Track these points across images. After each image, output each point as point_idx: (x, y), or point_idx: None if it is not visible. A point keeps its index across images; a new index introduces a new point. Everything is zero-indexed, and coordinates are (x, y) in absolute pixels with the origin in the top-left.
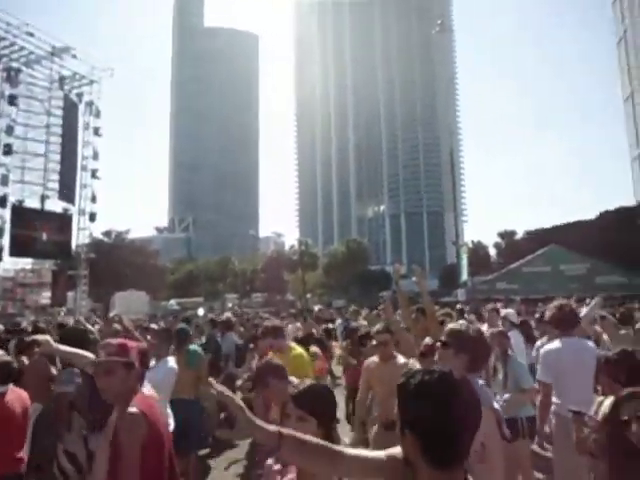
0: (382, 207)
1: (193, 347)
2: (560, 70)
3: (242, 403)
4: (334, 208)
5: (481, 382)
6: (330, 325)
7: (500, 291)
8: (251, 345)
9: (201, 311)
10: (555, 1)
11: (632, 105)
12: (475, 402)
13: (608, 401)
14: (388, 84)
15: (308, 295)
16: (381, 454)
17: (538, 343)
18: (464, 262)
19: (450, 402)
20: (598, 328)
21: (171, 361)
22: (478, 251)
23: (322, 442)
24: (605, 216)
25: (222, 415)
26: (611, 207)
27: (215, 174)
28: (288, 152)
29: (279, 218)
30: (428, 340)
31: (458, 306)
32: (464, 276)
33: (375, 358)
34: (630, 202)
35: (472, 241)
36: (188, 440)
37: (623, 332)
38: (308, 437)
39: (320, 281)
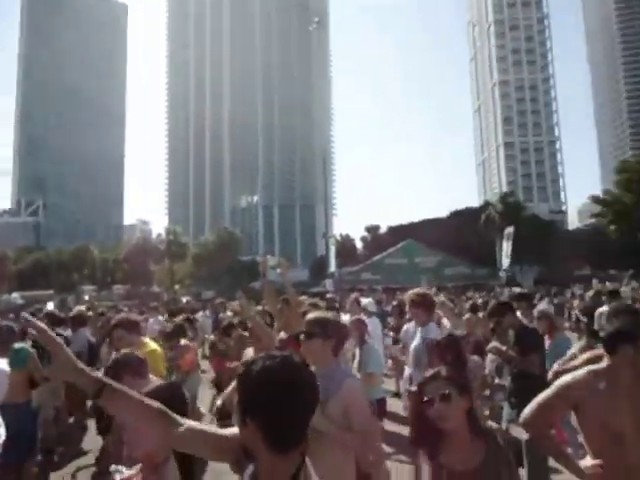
0: (255, 198)
1: (19, 345)
2: (421, 81)
3: (62, 342)
4: (206, 196)
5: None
6: (191, 316)
7: (365, 281)
8: (108, 340)
9: (50, 305)
10: (419, 23)
11: (479, 117)
12: (315, 385)
13: None
14: (266, 71)
15: (176, 286)
16: (226, 432)
17: (405, 328)
18: (332, 254)
19: (295, 386)
20: (440, 312)
21: (1, 363)
22: (346, 244)
23: (158, 405)
24: (455, 215)
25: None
26: (460, 207)
27: (72, 152)
28: (159, 134)
29: (146, 205)
30: (283, 335)
31: (328, 295)
32: (332, 267)
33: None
34: (475, 203)
35: (341, 234)
36: (19, 449)
37: (467, 317)
38: (139, 396)
39: (189, 272)
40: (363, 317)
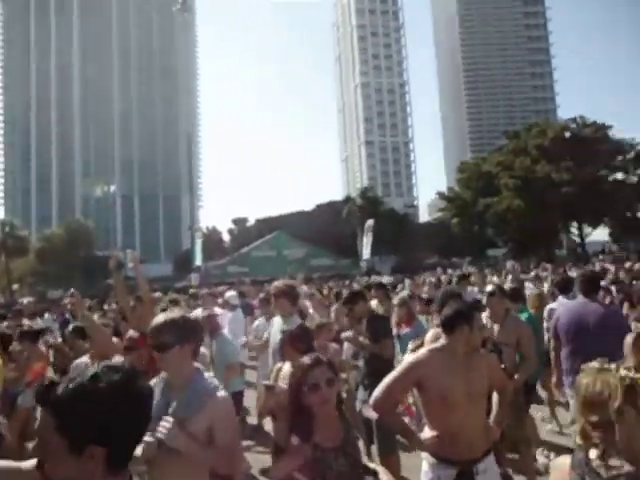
0: (113, 187)
1: None
2: (292, 76)
3: None
4: (53, 184)
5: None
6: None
7: (232, 274)
8: None
9: None
10: (287, 18)
11: (343, 116)
12: (152, 395)
13: (287, 367)
14: (124, 52)
15: (15, 286)
16: (22, 465)
17: (255, 324)
18: (198, 247)
19: (141, 399)
20: (308, 303)
21: None
22: (213, 236)
23: None
24: (320, 208)
25: None
26: (325, 201)
27: None
28: None
29: None
30: (132, 333)
31: (191, 291)
32: (198, 261)
33: None
34: (341, 197)
35: (207, 227)
36: None
37: (335, 307)
38: None
39: (31, 269)
40: (218, 310)
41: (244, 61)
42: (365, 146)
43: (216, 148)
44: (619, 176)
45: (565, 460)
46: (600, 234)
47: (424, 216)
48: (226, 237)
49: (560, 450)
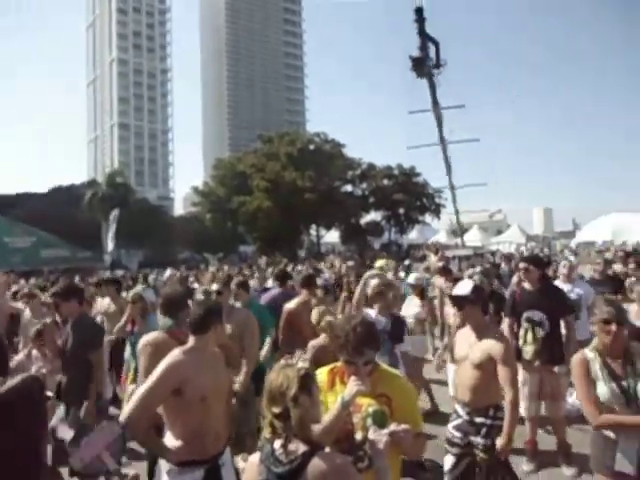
0: None
1: None
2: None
3: None
4: None
5: None
6: None
7: None
8: None
9: None
10: None
11: (94, 90)
12: None
13: None
14: None
15: None
16: None
17: None
18: None
19: None
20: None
21: None
22: None
23: None
24: (56, 191)
25: None
26: (65, 183)
27: None
28: None
29: None
30: None
31: None
32: None
33: None
34: (83, 180)
35: None
36: None
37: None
38: None
39: None
40: None
41: None
42: (118, 128)
43: None
44: (349, 188)
45: (254, 457)
46: (331, 236)
47: (179, 209)
48: None
49: None
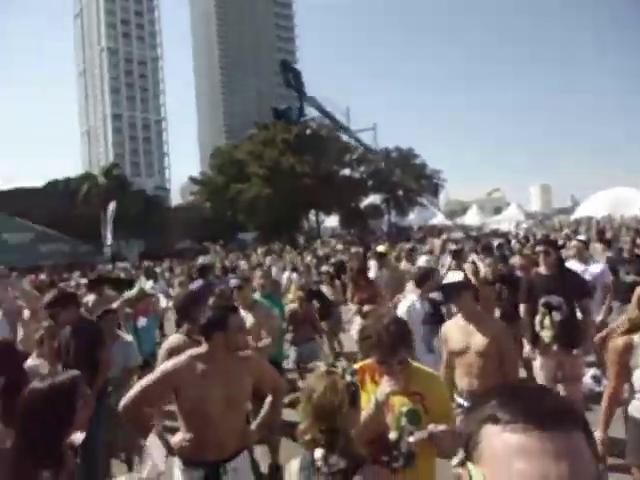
0: None
1: None
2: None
3: None
4: None
5: None
6: None
7: None
8: None
9: None
10: None
11: (85, 81)
12: None
13: None
14: None
15: None
16: None
17: None
18: None
19: None
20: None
21: None
22: None
23: None
24: (52, 185)
25: None
26: (60, 177)
27: None
28: None
29: None
30: None
31: None
32: None
33: None
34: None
35: None
36: None
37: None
38: None
39: None
40: None
41: None
42: (112, 119)
43: None
44: (347, 172)
45: (294, 465)
46: (331, 221)
47: (177, 199)
48: None
49: None
